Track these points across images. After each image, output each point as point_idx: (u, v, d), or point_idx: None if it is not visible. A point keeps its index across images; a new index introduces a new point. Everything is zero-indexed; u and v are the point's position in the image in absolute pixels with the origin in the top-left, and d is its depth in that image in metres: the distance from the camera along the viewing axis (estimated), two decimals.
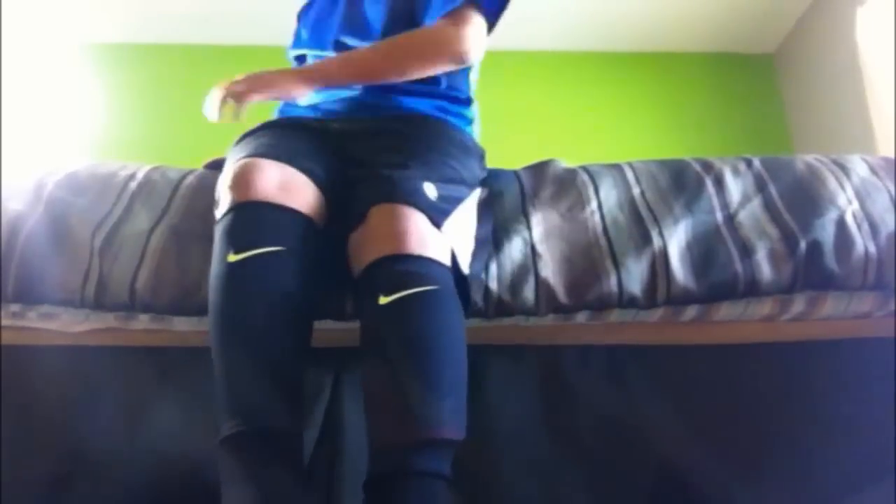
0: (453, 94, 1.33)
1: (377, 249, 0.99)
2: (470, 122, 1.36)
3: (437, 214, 1.04)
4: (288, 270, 0.98)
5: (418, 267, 0.97)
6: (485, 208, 1.21)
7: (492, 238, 1.18)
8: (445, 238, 1.04)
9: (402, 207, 1.02)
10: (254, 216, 1.01)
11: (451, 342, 0.95)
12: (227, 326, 0.95)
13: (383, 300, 0.94)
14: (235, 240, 0.98)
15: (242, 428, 0.88)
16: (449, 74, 1.32)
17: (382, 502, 0.87)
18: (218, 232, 1.02)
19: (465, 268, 1.06)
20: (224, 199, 1.04)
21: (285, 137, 1.18)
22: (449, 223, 1.06)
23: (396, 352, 0.92)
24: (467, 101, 1.36)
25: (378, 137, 1.20)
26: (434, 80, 1.30)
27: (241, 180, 1.04)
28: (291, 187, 1.05)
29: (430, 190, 1.07)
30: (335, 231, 1.09)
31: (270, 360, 0.93)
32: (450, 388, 0.91)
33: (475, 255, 1.11)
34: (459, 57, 1.23)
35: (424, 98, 1.30)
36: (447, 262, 1.01)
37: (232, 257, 0.97)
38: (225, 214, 1.02)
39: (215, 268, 0.99)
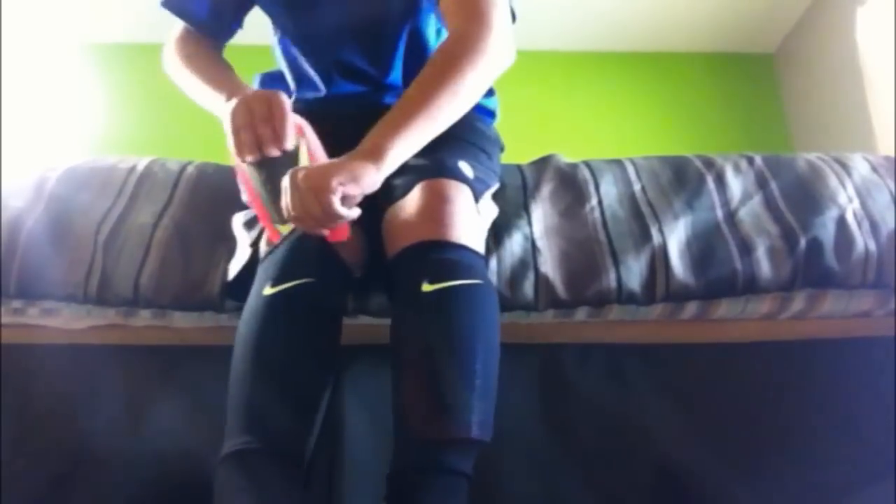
0: None
1: (419, 231, 0.96)
2: (492, 113, 1.34)
3: (477, 192, 1.04)
4: (322, 300, 0.97)
5: (463, 257, 0.95)
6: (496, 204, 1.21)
7: (501, 237, 1.18)
8: (482, 224, 1.03)
9: (452, 183, 1.00)
10: (293, 253, 0.99)
11: (490, 342, 0.93)
12: (256, 350, 0.93)
13: (427, 287, 0.91)
14: (273, 275, 0.96)
15: (255, 445, 0.87)
16: None
17: (408, 496, 0.86)
18: (259, 269, 1.01)
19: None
20: (265, 236, 1.03)
21: None
22: (481, 204, 1.06)
23: (437, 344, 0.89)
24: (489, 92, 1.33)
25: None
26: None
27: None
28: None
29: (467, 168, 1.06)
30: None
31: (295, 385, 0.92)
32: (484, 390, 0.89)
33: None
34: (508, 53, 1.07)
35: None
36: (482, 250, 1.00)
37: (268, 290, 0.95)
38: (268, 253, 1.01)
39: (251, 301, 0.98)
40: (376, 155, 0.93)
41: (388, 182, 1.02)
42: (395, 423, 0.90)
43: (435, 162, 1.04)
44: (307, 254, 0.99)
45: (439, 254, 0.94)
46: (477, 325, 0.92)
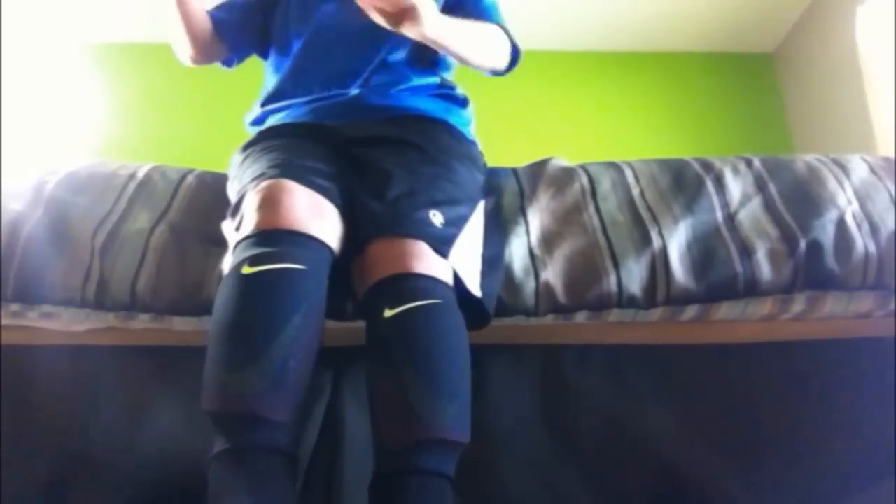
0: (450, 92, 1.33)
1: (382, 271, 1.00)
2: (468, 122, 1.35)
3: (443, 244, 1.04)
4: (302, 285, 0.96)
5: (422, 283, 0.98)
6: (493, 224, 1.20)
7: (503, 254, 1.17)
8: (448, 262, 1.04)
9: (401, 241, 1.02)
10: (278, 240, 0.99)
11: (455, 352, 0.96)
12: (233, 332, 0.93)
13: (388, 313, 0.95)
14: (254, 258, 0.96)
15: (246, 441, 0.87)
16: (443, 71, 1.33)
17: (387, 500, 0.87)
18: (238, 251, 1.00)
19: (474, 288, 1.06)
20: (250, 220, 1.02)
21: (299, 151, 1.16)
22: (455, 248, 1.06)
23: (401, 358, 0.92)
24: (464, 102, 1.36)
25: (384, 144, 1.19)
26: (432, 77, 1.31)
27: (270, 204, 1.02)
28: (317, 214, 1.04)
29: (437, 217, 1.07)
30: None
31: (279, 372, 0.90)
32: (454, 394, 0.92)
33: (487, 273, 1.11)
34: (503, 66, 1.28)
35: (424, 96, 1.29)
36: (450, 281, 1.02)
37: (246, 269, 0.95)
38: (249, 236, 1.00)
39: (227, 280, 0.97)
40: (440, 18, 1.09)
41: (356, 223, 1.06)
42: (373, 437, 0.92)
43: (401, 213, 1.05)
44: (298, 245, 0.99)
45: (397, 284, 0.98)
46: (438, 336, 0.95)
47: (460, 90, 1.37)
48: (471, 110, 1.37)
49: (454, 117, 1.31)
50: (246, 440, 0.87)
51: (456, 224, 1.09)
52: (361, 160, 1.18)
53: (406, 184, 1.10)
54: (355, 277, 1.05)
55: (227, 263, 1.05)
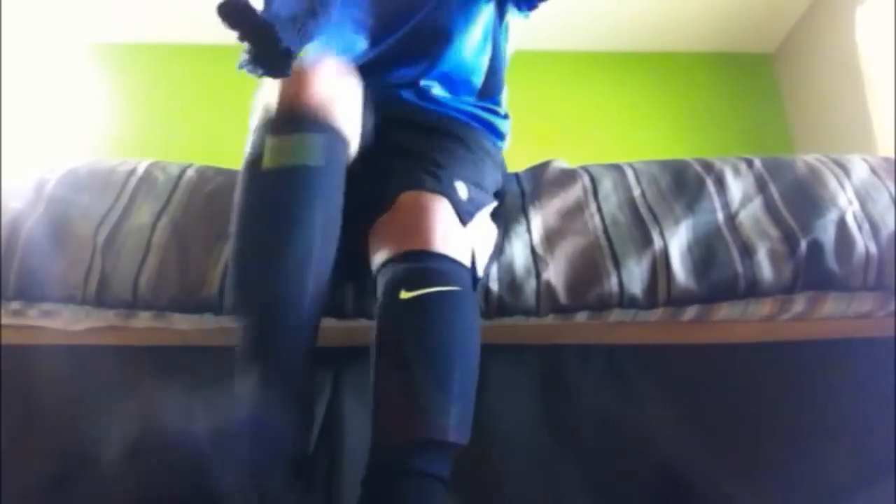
0: (490, 106, 1.33)
1: (402, 242, 0.98)
2: (504, 136, 1.35)
3: (465, 213, 1.04)
4: (320, 181, 0.98)
5: (442, 265, 0.96)
6: (495, 217, 1.21)
7: (501, 245, 1.18)
8: (468, 238, 1.03)
9: (432, 196, 1.01)
10: (299, 125, 0.99)
11: (467, 347, 0.94)
12: (257, 226, 0.96)
13: (405, 295, 0.93)
14: (273, 149, 0.97)
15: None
16: (486, 85, 1.32)
17: (380, 499, 0.86)
18: (259, 131, 1.00)
19: (480, 272, 1.06)
20: (274, 94, 1.01)
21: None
22: (473, 225, 1.06)
23: (412, 350, 0.91)
24: (504, 116, 1.35)
25: (418, 131, 1.19)
26: (471, 92, 1.31)
27: (297, 78, 1.01)
28: (342, 91, 1.04)
29: (462, 189, 1.07)
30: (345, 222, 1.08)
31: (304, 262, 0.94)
32: (460, 393, 0.90)
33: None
34: None
35: (468, 107, 1.29)
36: (468, 263, 1.01)
37: (267, 163, 0.97)
38: (272, 119, 1.00)
39: (247, 173, 0.99)
40: None
41: (376, 186, 1.05)
42: (372, 428, 0.91)
43: (430, 173, 1.05)
44: (316, 135, 1.00)
45: (417, 263, 0.96)
46: (453, 330, 0.93)
47: (501, 104, 1.37)
48: (508, 125, 1.36)
49: (489, 128, 1.31)
50: (269, 325, 0.91)
51: (476, 204, 1.09)
52: (394, 139, 1.16)
53: (438, 157, 1.10)
54: (372, 247, 1.03)
55: (252, 124, 1.05)
